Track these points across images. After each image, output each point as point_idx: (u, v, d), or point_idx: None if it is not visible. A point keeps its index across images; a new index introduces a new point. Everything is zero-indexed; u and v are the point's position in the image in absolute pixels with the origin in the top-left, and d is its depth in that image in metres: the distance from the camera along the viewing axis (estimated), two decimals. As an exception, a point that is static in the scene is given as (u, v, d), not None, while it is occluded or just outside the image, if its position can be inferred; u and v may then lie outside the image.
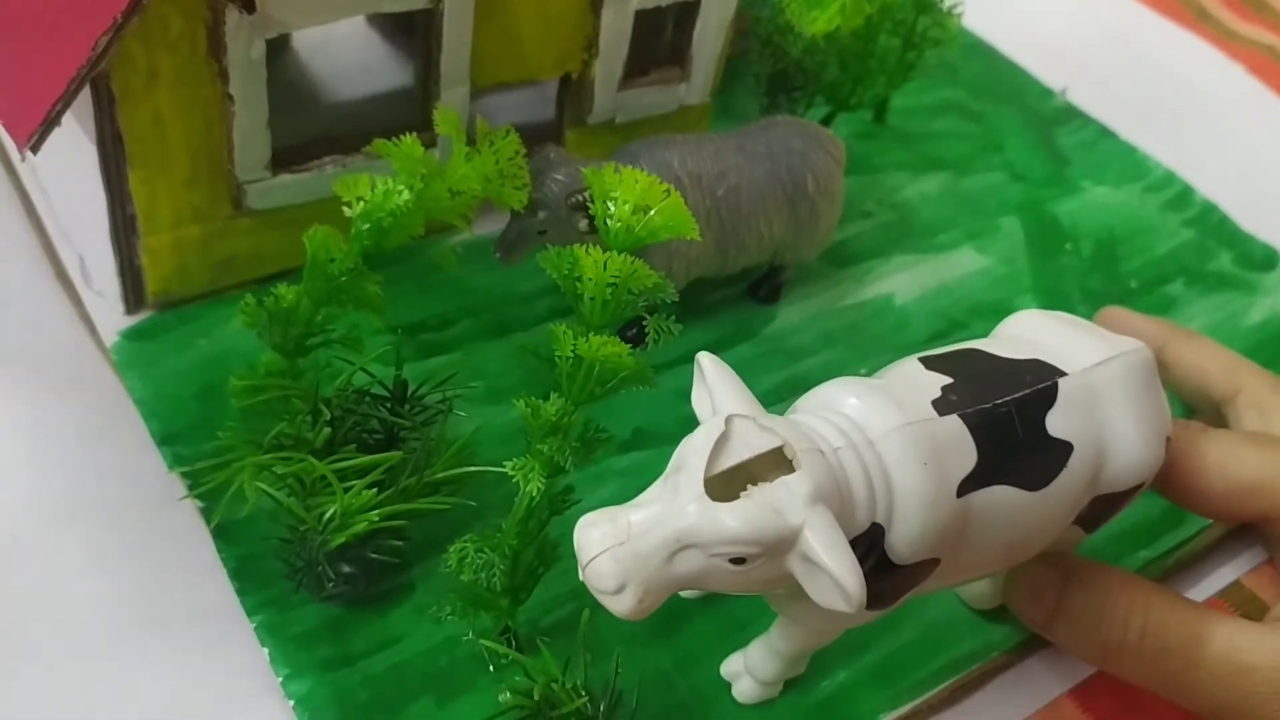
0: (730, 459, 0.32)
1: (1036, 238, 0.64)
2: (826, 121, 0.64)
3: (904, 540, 0.34)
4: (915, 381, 0.37)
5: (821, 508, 0.31)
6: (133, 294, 0.50)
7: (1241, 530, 0.52)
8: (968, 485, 0.35)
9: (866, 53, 0.63)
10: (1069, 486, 0.37)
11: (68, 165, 0.47)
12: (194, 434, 0.47)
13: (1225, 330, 0.60)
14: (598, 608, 0.42)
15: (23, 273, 0.53)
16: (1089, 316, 0.59)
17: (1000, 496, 0.36)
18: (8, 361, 0.49)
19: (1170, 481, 0.44)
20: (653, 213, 0.40)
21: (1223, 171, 0.70)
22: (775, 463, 0.32)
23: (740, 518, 0.30)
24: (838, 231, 0.57)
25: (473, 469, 0.42)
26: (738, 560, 0.31)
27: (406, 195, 0.42)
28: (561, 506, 0.40)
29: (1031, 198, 0.67)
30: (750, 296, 0.57)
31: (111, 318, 0.50)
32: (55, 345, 0.50)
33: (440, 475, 0.42)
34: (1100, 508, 0.40)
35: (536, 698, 0.36)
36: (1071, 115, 0.73)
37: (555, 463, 0.38)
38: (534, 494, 0.38)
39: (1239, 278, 0.64)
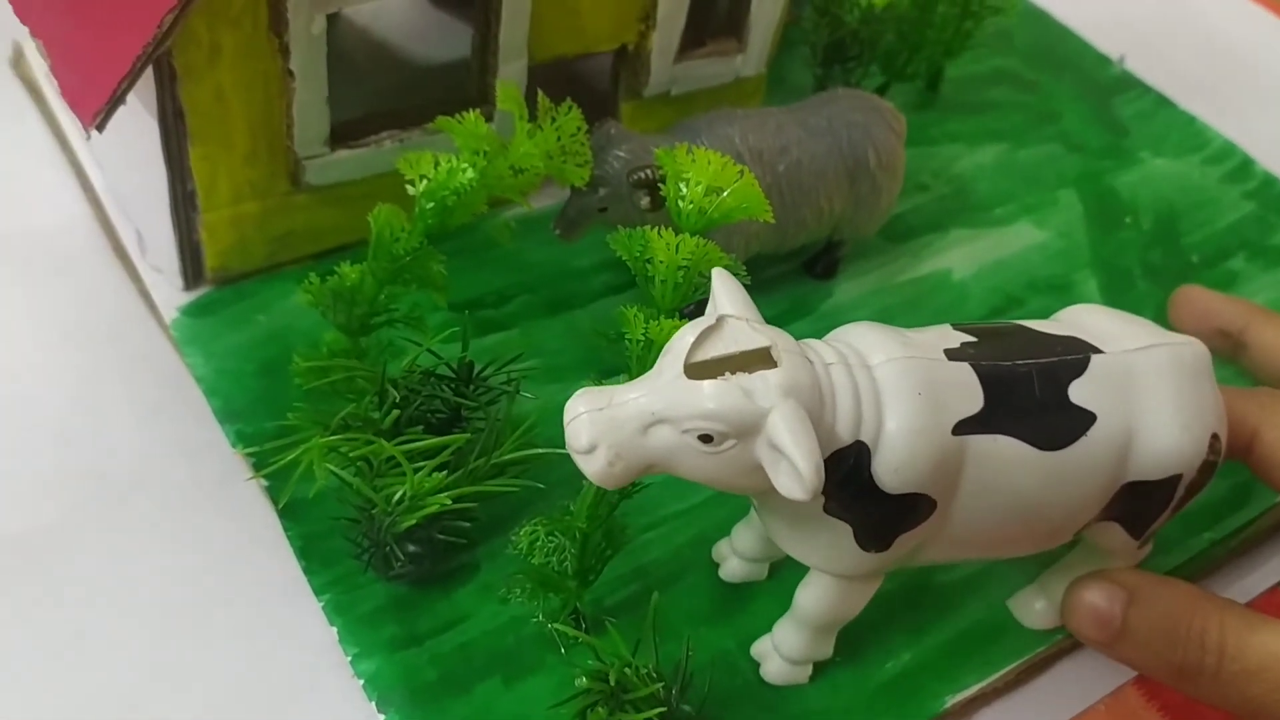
0: (715, 350, 0.33)
1: (1095, 211, 0.63)
2: (881, 92, 0.63)
3: (889, 466, 0.34)
4: (938, 334, 0.37)
5: (794, 401, 0.32)
6: (191, 270, 0.50)
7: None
8: (967, 426, 0.35)
9: (924, 21, 0.62)
10: (1090, 459, 0.37)
11: (126, 141, 0.47)
12: (255, 411, 0.47)
13: (1288, 306, 0.59)
14: (665, 588, 0.43)
15: (81, 249, 0.53)
16: (1151, 292, 0.59)
17: (1006, 448, 0.36)
18: (68, 338, 0.49)
19: (1254, 452, 0.43)
20: (725, 194, 0.39)
21: (1285, 142, 0.69)
22: (766, 369, 0.33)
23: (711, 394, 0.32)
24: (894, 206, 0.56)
25: (541, 450, 0.42)
26: (706, 439, 0.32)
27: (471, 174, 0.42)
28: (630, 490, 0.39)
29: (1089, 169, 0.65)
30: (807, 272, 0.57)
31: (170, 293, 0.51)
32: (114, 321, 0.50)
33: (508, 457, 0.42)
34: (1135, 500, 0.39)
35: (612, 682, 0.36)
36: (1130, 84, 0.72)
37: None
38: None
39: (1301, 252, 0.63)
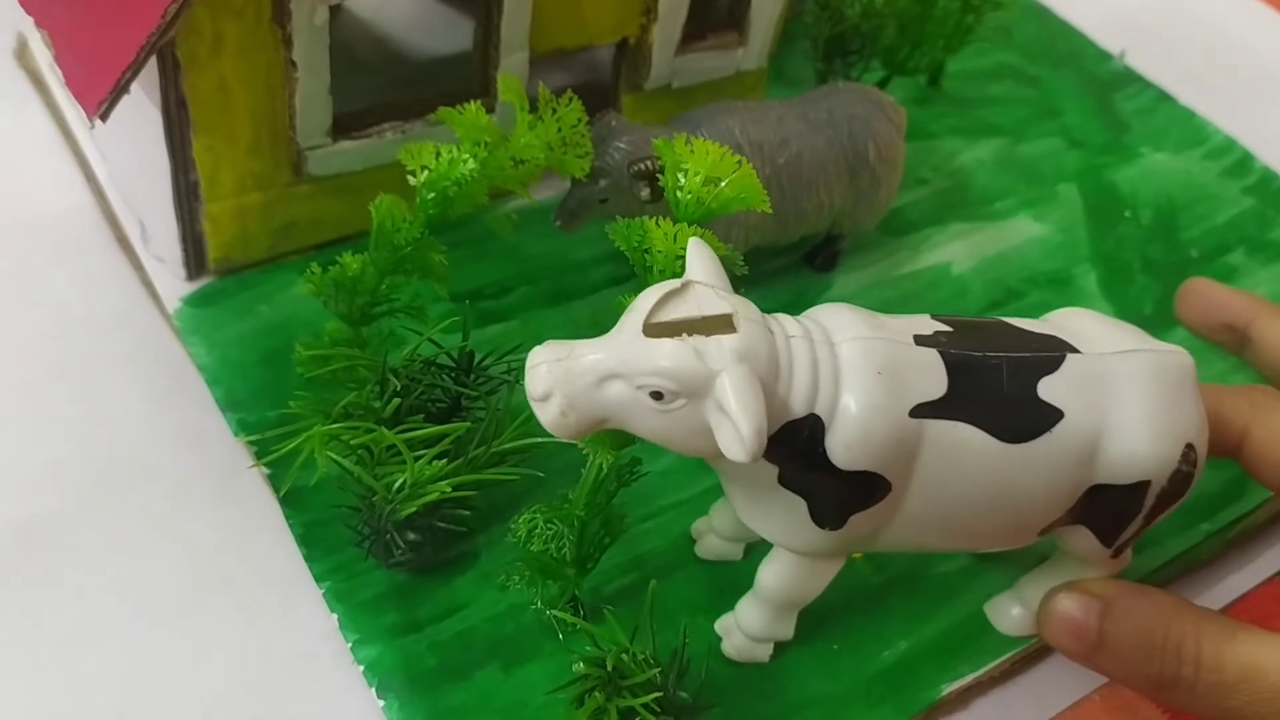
0: (678, 313, 0.33)
1: (1095, 205, 0.63)
2: (882, 86, 0.64)
3: (843, 442, 0.34)
4: (913, 321, 0.37)
5: (746, 366, 0.32)
6: (194, 260, 0.50)
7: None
8: (927, 410, 0.35)
9: (925, 16, 0.62)
10: (1054, 455, 0.37)
11: (129, 132, 0.48)
12: (258, 400, 0.47)
13: (1287, 301, 0.59)
14: (663, 577, 0.43)
15: (84, 239, 0.53)
16: (1150, 286, 0.59)
17: (966, 435, 0.36)
18: (71, 327, 0.49)
19: (1244, 450, 0.43)
20: (724, 185, 0.39)
21: (1284, 138, 0.69)
22: (726, 334, 0.34)
23: (665, 353, 0.32)
24: (894, 199, 0.56)
25: (539, 440, 0.42)
26: (658, 396, 0.33)
27: (472, 164, 0.42)
28: (629, 478, 0.40)
29: (1090, 164, 0.66)
30: (807, 264, 0.57)
31: (173, 284, 0.51)
32: (117, 311, 0.51)
33: (507, 446, 0.42)
34: (1102, 504, 0.38)
35: (609, 668, 0.36)
36: (1130, 79, 0.72)
37: (623, 435, 0.38)
38: (603, 466, 0.38)
39: (1301, 247, 0.63)
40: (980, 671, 0.43)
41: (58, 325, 0.50)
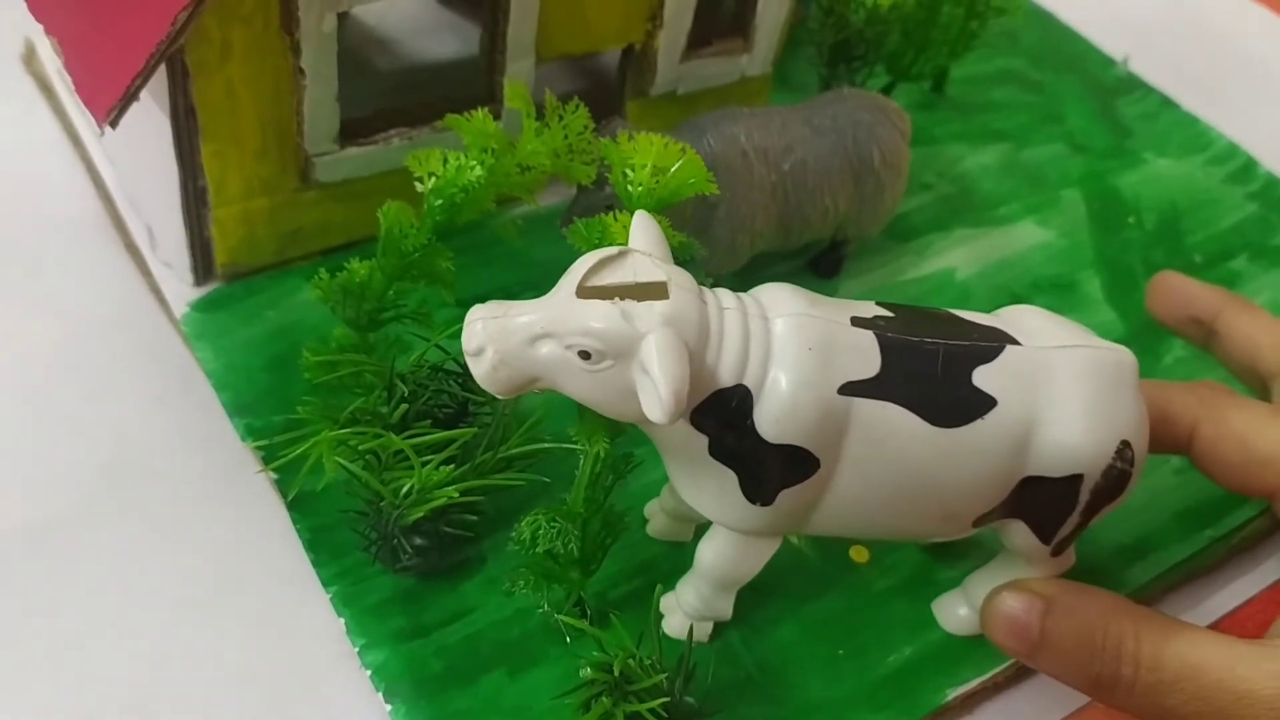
0: (614, 278, 0.34)
1: (1098, 211, 0.63)
2: (886, 92, 0.64)
3: (771, 414, 0.35)
4: (855, 306, 0.38)
5: (672, 331, 0.33)
6: (201, 265, 0.50)
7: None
8: (856, 388, 0.36)
9: (930, 22, 0.62)
10: (985, 442, 0.37)
11: (137, 138, 0.48)
12: (264, 405, 0.47)
13: (1289, 307, 0.60)
14: (668, 582, 0.43)
15: (92, 244, 0.53)
16: (1153, 292, 0.59)
17: (895, 416, 0.36)
18: (79, 332, 0.50)
19: (1193, 446, 0.44)
20: (671, 172, 0.40)
21: (1288, 144, 0.69)
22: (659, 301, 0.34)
23: (594, 315, 0.33)
24: (898, 205, 0.56)
25: (546, 444, 0.43)
26: (585, 356, 0.33)
27: (479, 171, 0.42)
28: (624, 470, 0.40)
29: (1093, 170, 0.66)
30: (811, 270, 0.57)
31: (180, 289, 0.51)
32: (125, 315, 0.51)
33: (514, 451, 0.42)
34: (1035, 497, 0.38)
35: (616, 673, 0.36)
36: (1133, 85, 0.72)
37: (615, 424, 0.38)
38: (599, 455, 0.38)
39: (1303, 253, 0.63)
40: (985, 676, 0.44)
41: (66, 330, 0.50)
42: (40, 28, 0.46)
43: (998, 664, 0.44)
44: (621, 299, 0.33)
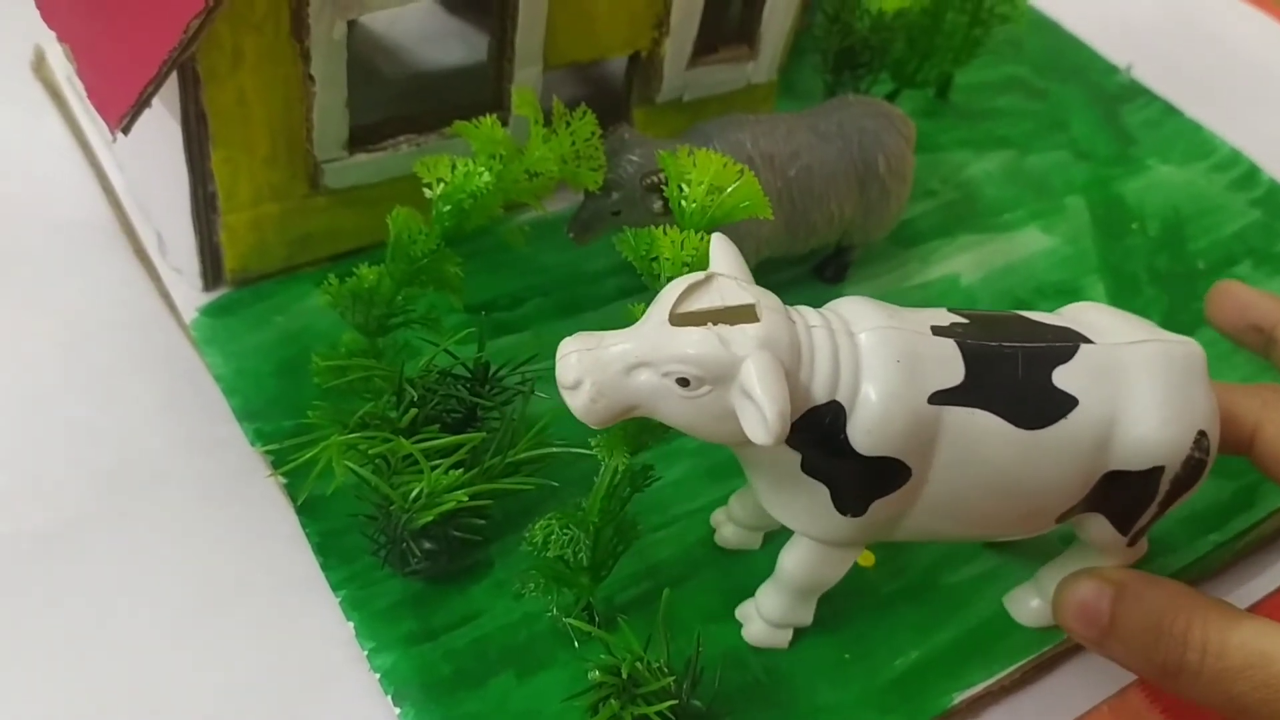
0: (702, 303, 0.34)
1: (1102, 217, 0.64)
2: (891, 99, 0.64)
3: (863, 427, 0.35)
4: (931, 314, 0.38)
5: (769, 353, 0.33)
6: (211, 271, 0.51)
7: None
8: (944, 397, 0.36)
9: (934, 29, 0.62)
10: (1070, 442, 0.37)
11: (146, 143, 0.48)
12: (274, 410, 0.47)
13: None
14: (676, 586, 0.43)
15: (101, 249, 0.53)
16: (1157, 297, 0.60)
17: (984, 422, 0.36)
18: (89, 337, 0.50)
19: (1255, 447, 0.44)
20: (727, 193, 0.40)
21: (1290, 150, 0.69)
22: (749, 324, 0.35)
23: (691, 341, 0.33)
24: (903, 211, 0.57)
25: (554, 449, 0.43)
26: (684, 383, 0.33)
27: (487, 177, 0.43)
28: (642, 483, 0.40)
29: (1097, 176, 0.66)
30: (816, 276, 0.57)
31: (189, 294, 0.51)
32: (134, 321, 0.51)
33: (522, 456, 0.42)
34: (1117, 491, 0.39)
35: (625, 676, 0.37)
36: (1137, 92, 0.72)
37: (637, 438, 0.39)
38: (617, 469, 0.39)
39: (1307, 259, 0.63)
40: (991, 680, 0.44)
41: (75, 335, 0.50)
42: (50, 34, 0.46)
43: (1004, 668, 0.44)
44: (714, 324, 0.34)
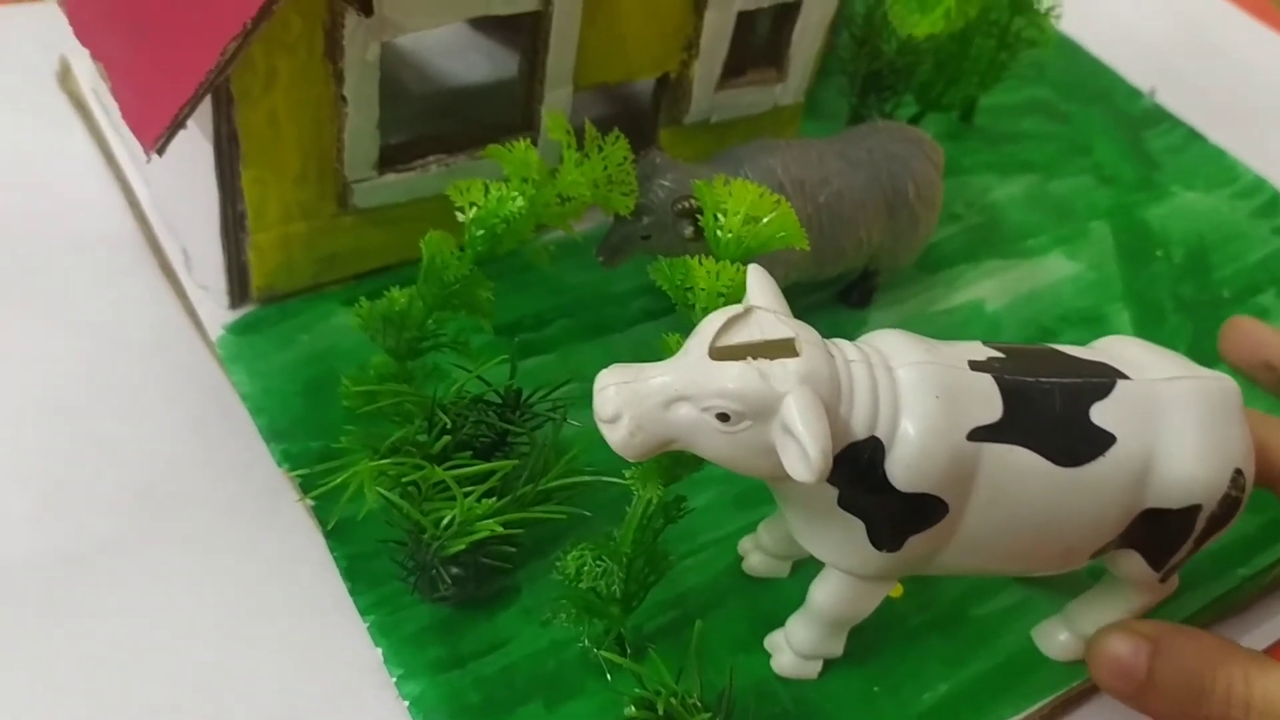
0: (741, 337, 0.34)
1: (1127, 243, 0.64)
2: (915, 121, 0.64)
3: (902, 463, 0.35)
4: (967, 348, 0.38)
5: (809, 389, 0.33)
6: (238, 288, 0.50)
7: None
8: (983, 434, 0.36)
9: (961, 53, 0.62)
10: (1108, 479, 0.37)
11: (175, 160, 0.48)
12: (300, 430, 0.47)
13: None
14: (704, 615, 0.43)
15: (127, 264, 0.53)
16: (1182, 325, 0.60)
17: (1022, 459, 0.36)
18: (114, 353, 0.50)
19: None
20: (764, 223, 0.40)
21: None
22: (789, 358, 0.34)
23: (731, 376, 0.33)
24: (930, 237, 0.57)
25: (587, 478, 0.43)
26: (724, 418, 0.33)
27: (521, 202, 0.42)
28: (675, 515, 0.40)
29: (1121, 202, 0.66)
30: (841, 301, 0.57)
31: (215, 311, 0.51)
32: (160, 337, 0.51)
33: (554, 484, 0.42)
34: (1154, 528, 0.39)
35: (661, 712, 0.36)
36: (1160, 117, 0.72)
37: (671, 470, 0.38)
38: (651, 501, 0.38)
39: (1331, 289, 0.63)
40: (1020, 715, 0.44)
41: (101, 351, 0.50)
42: (74, 46, 0.46)
43: (1033, 703, 0.44)
44: (754, 358, 0.33)
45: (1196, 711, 0.40)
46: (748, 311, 0.35)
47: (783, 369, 0.33)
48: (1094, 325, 0.59)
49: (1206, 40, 0.80)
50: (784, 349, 0.34)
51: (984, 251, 0.61)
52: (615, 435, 0.34)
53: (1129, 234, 0.64)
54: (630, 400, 0.34)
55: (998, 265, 0.61)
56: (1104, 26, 0.77)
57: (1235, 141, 0.71)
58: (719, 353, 0.34)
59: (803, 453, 0.32)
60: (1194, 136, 0.71)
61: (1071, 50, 0.76)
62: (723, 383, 0.33)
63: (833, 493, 0.36)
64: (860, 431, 0.35)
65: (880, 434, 0.35)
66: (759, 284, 0.36)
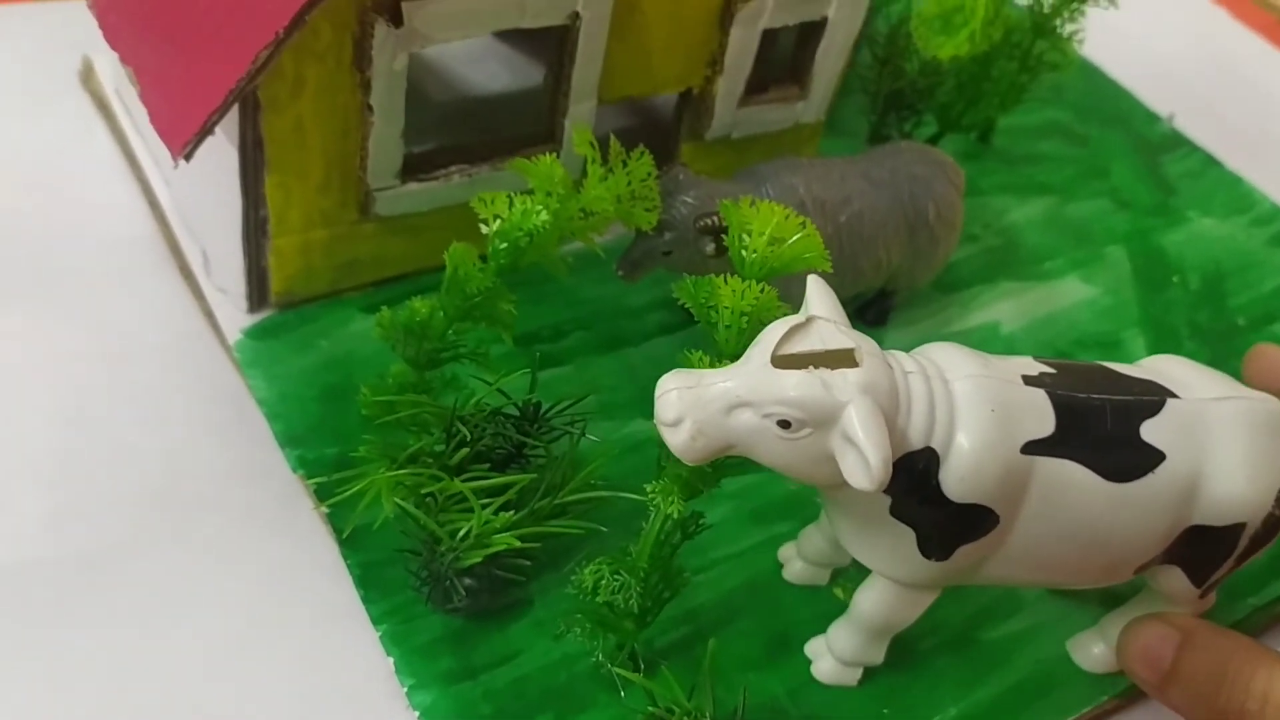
0: (802, 346, 0.35)
1: (1143, 269, 0.64)
2: (934, 142, 0.64)
3: (956, 474, 0.36)
4: (1020, 363, 0.39)
5: (870, 399, 0.34)
6: (257, 292, 0.51)
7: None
8: (1036, 447, 0.36)
9: (983, 75, 0.62)
10: (1156, 495, 0.38)
11: (197, 164, 0.48)
12: (316, 437, 0.47)
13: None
14: (716, 631, 0.43)
15: (146, 265, 0.53)
16: (1198, 352, 0.60)
17: (1073, 473, 0.37)
18: (133, 355, 0.50)
19: None
20: (788, 244, 0.40)
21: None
22: (849, 368, 0.35)
23: (793, 384, 0.34)
24: (950, 258, 0.57)
25: (605, 494, 0.43)
26: (785, 425, 0.34)
27: (545, 216, 0.42)
28: (692, 531, 0.40)
29: (1138, 227, 0.66)
30: (858, 319, 0.57)
31: (234, 315, 0.51)
32: (178, 339, 0.51)
33: (571, 498, 0.42)
34: (1198, 545, 0.40)
35: (674, 729, 0.36)
36: (1178, 142, 0.72)
37: (692, 485, 0.38)
38: (672, 516, 0.39)
39: (1347, 320, 0.63)
40: (1030, 740, 0.44)
41: (119, 352, 0.50)
42: (97, 45, 0.46)
43: (1043, 728, 0.44)
44: (815, 367, 0.34)
45: (1216, 702, 0.40)
46: (809, 321, 0.35)
47: (844, 379, 0.34)
48: (1109, 350, 0.59)
49: (1226, 67, 0.80)
50: (844, 359, 0.35)
51: (1001, 273, 0.62)
52: (676, 439, 0.34)
53: (1145, 259, 0.64)
54: (693, 405, 0.34)
55: (1014, 287, 0.61)
56: (1124, 50, 0.77)
57: (1253, 168, 0.71)
58: (780, 361, 0.34)
59: (863, 461, 0.33)
60: (1212, 162, 0.71)
61: (1091, 73, 0.76)
62: (785, 390, 0.34)
63: (885, 501, 0.37)
64: (916, 442, 0.35)
65: (935, 445, 0.36)
66: (819, 295, 0.37)
